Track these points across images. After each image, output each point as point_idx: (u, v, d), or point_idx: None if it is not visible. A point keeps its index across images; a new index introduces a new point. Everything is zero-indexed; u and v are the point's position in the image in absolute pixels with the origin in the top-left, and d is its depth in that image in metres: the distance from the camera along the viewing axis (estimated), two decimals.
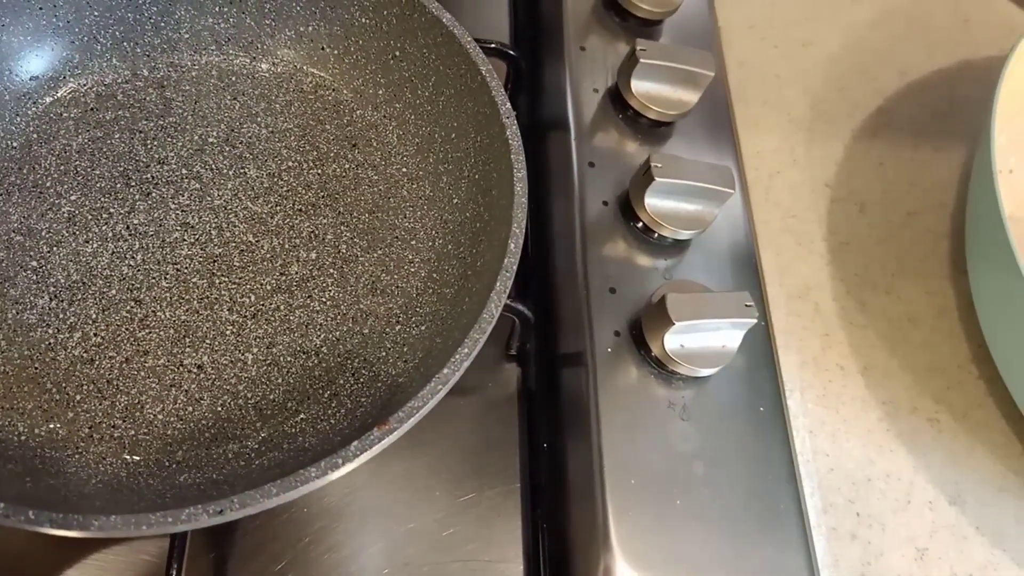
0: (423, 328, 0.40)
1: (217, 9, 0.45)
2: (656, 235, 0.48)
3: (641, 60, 0.50)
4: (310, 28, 0.46)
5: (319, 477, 0.30)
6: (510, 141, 0.38)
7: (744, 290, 0.45)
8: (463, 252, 0.41)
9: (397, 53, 0.44)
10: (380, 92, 0.46)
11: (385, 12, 0.43)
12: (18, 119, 0.42)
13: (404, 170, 0.45)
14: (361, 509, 0.41)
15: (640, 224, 0.48)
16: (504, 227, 0.37)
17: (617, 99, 0.53)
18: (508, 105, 0.39)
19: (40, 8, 0.42)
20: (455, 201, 0.43)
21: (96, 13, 0.43)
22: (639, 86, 0.52)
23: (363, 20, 0.44)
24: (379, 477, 0.43)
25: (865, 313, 0.53)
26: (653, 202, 0.47)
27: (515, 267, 0.36)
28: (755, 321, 0.43)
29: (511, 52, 0.53)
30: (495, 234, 0.39)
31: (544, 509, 0.44)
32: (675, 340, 0.43)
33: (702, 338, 0.44)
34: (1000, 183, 0.45)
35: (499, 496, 0.44)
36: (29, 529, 0.29)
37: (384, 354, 0.40)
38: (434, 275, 0.42)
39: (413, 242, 0.43)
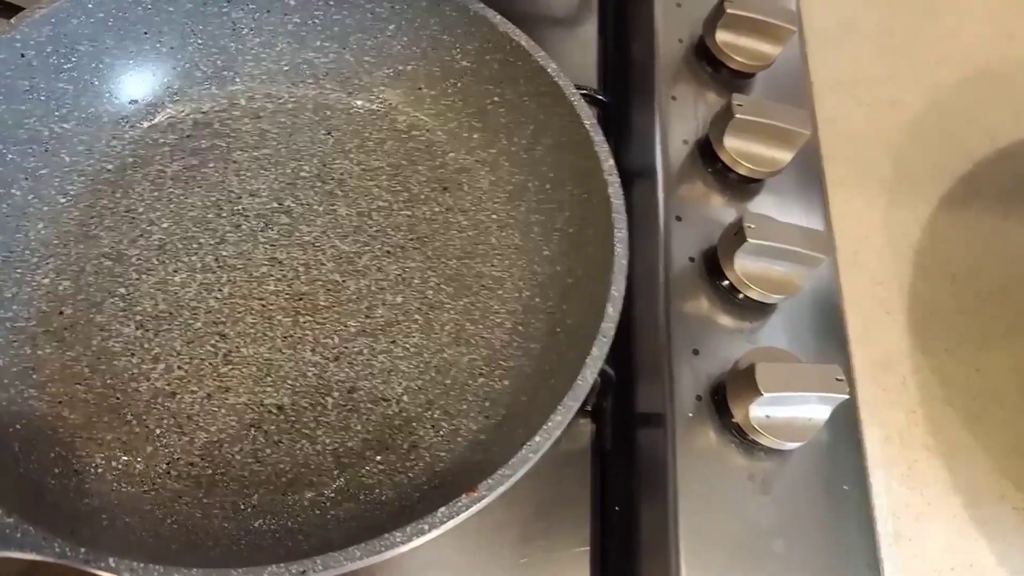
0: (506, 383, 0.39)
1: (318, 44, 0.45)
2: (742, 296, 0.46)
3: (737, 115, 0.49)
4: (409, 67, 0.45)
5: (404, 543, 0.30)
6: (612, 199, 0.37)
7: (831, 360, 0.43)
8: (551, 307, 0.40)
9: (496, 99, 0.44)
10: (475, 136, 0.45)
11: (488, 57, 0.43)
12: (115, 142, 0.43)
13: (494, 217, 0.44)
14: (423, 563, 0.40)
15: (726, 283, 0.47)
16: (600, 287, 0.36)
17: (707, 152, 0.52)
18: (612, 162, 0.38)
19: (145, 33, 0.42)
20: (545, 253, 0.42)
21: (200, 41, 0.44)
22: (732, 141, 0.50)
23: (464, 63, 0.44)
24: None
25: (949, 387, 0.51)
26: (743, 263, 0.46)
27: (612, 332, 0.35)
28: (845, 396, 0.41)
29: (601, 98, 0.53)
30: (588, 293, 0.38)
31: (615, 574, 0.43)
32: (761, 410, 0.41)
33: (789, 410, 0.42)
34: None
35: (568, 559, 0.42)
36: (106, 574, 0.29)
37: (465, 407, 0.39)
38: (519, 328, 0.41)
39: (500, 292, 0.42)
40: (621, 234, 0.36)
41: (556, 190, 0.42)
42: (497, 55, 0.43)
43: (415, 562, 0.40)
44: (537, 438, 0.32)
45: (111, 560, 0.28)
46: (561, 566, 0.42)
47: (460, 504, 0.30)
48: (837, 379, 0.42)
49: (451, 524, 0.30)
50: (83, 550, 0.28)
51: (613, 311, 0.35)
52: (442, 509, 0.30)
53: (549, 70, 0.40)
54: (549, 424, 0.32)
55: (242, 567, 0.28)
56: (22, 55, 0.38)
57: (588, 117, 0.39)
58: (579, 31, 0.61)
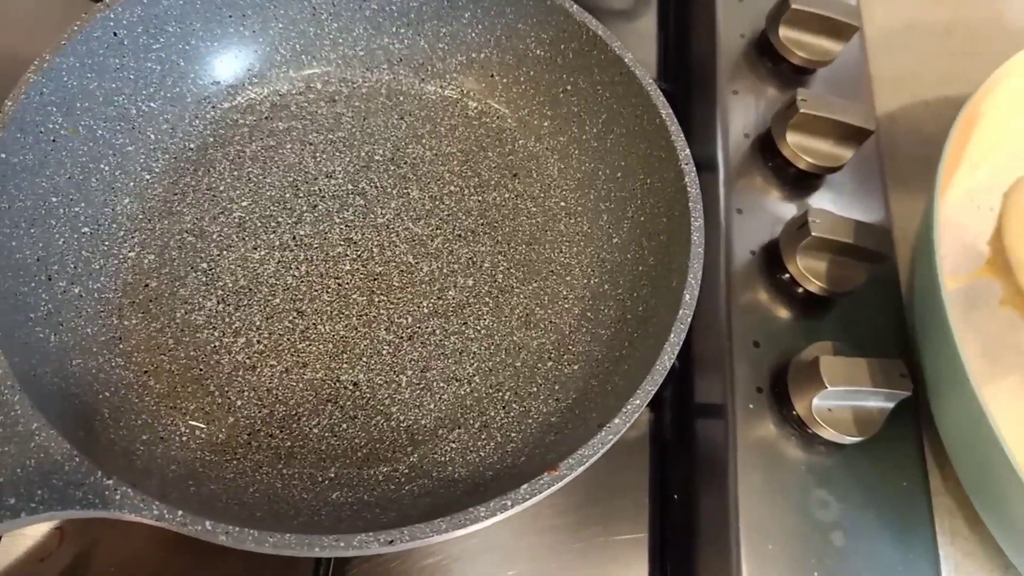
0: (575, 368, 0.40)
1: (394, 30, 0.46)
2: (802, 290, 0.47)
3: (801, 110, 0.49)
4: (482, 55, 0.46)
5: (488, 517, 0.30)
6: (688, 188, 0.38)
7: (893, 357, 0.43)
8: (621, 294, 0.41)
9: (568, 87, 0.44)
10: (545, 124, 0.46)
11: (562, 46, 0.43)
12: (197, 122, 0.44)
13: (563, 204, 0.44)
14: (482, 546, 0.41)
15: (787, 276, 0.47)
16: (675, 275, 0.37)
17: (768, 146, 0.52)
18: (687, 151, 0.39)
19: (230, 16, 0.43)
20: (615, 240, 0.42)
21: (281, 25, 0.44)
22: (794, 136, 0.51)
23: (538, 52, 0.45)
24: None
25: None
26: (805, 257, 0.46)
27: (689, 319, 0.35)
28: (908, 393, 0.42)
29: (664, 87, 0.53)
30: (661, 280, 0.38)
31: (672, 562, 0.43)
32: (824, 403, 0.42)
33: (851, 404, 0.42)
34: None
35: (625, 544, 0.43)
36: (202, 538, 0.30)
37: (535, 390, 0.39)
38: (588, 314, 0.41)
39: (568, 278, 0.42)
40: (698, 223, 0.37)
41: (627, 179, 0.42)
42: (572, 44, 0.43)
43: (472, 544, 0.41)
44: (617, 420, 0.32)
45: (207, 523, 0.29)
46: (618, 552, 0.42)
47: (542, 482, 0.31)
48: (901, 375, 0.42)
49: (533, 501, 0.31)
50: (180, 513, 0.29)
51: (690, 299, 0.35)
52: (524, 486, 0.31)
53: (626, 60, 0.41)
54: (628, 407, 0.33)
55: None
56: (115, 33, 0.40)
57: (664, 107, 0.40)
58: (638, 24, 0.61)
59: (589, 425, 0.35)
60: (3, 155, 0.35)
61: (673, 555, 0.44)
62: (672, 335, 0.34)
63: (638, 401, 0.33)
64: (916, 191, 0.58)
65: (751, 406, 0.43)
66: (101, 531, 0.40)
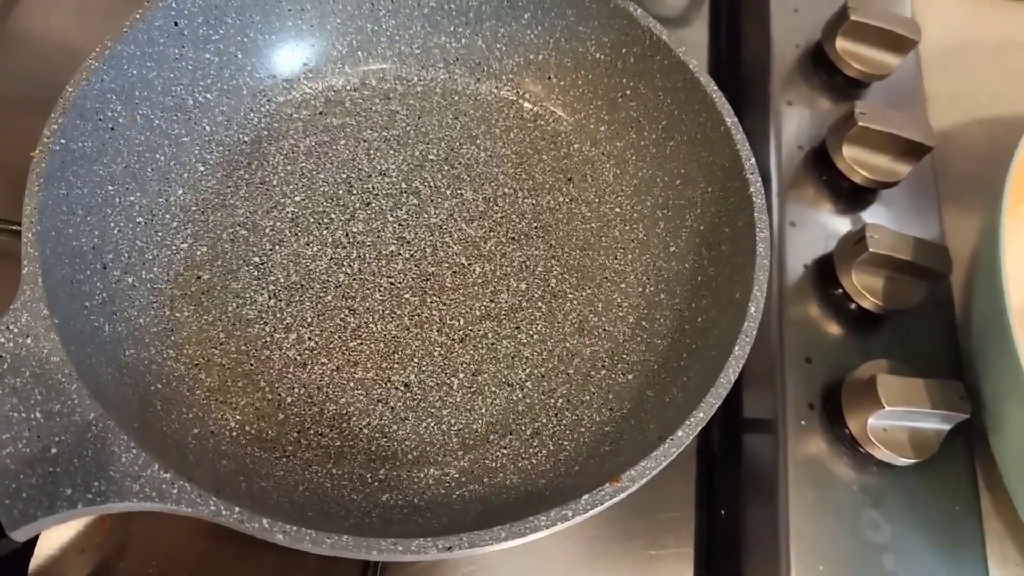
0: (630, 377, 0.39)
1: (452, 28, 0.45)
2: (855, 306, 0.46)
3: (859, 123, 0.48)
4: (540, 57, 0.45)
5: (548, 527, 0.30)
6: (753, 199, 0.37)
7: (946, 377, 0.42)
8: (679, 304, 0.40)
9: (628, 92, 0.44)
10: (602, 128, 0.45)
11: (624, 51, 0.43)
12: (252, 115, 0.43)
13: (618, 210, 0.44)
14: (521, 553, 0.40)
15: (840, 292, 0.46)
16: (737, 287, 0.36)
17: (822, 159, 0.51)
18: (753, 161, 0.38)
19: (289, 10, 0.43)
20: (672, 249, 0.42)
21: (339, 20, 0.44)
22: (851, 149, 0.50)
23: (598, 56, 0.44)
24: None
25: None
26: (860, 272, 0.45)
27: (755, 333, 0.34)
28: (967, 416, 0.41)
29: None
30: (723, 292, 0.37)
31: None
32: (880, 423, 0.41)
33: (907, 425, 0.41)
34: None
35: (671, 557, 0.42)
36: (257, 536, 0.29)
37: (588, 398, 0.39)
38: (643, 323, 0.41)
39: (623, 285, 0.42)
40: (763, 234, 0.36)
41: (687, 187, 0.42)
42: (635, 48, 0.42)
43: (511, 552, 0.40)
44: (680, 433, 0.32)
45: (265, 522, 0.29)
46: (661, 566, 0.42)
47: (604, 493, 0.30)
48: (960, 397, 0.41)
49: (593, 512, 0.30)
50: (237, 509, 0.29)
51: (755, 311, 0.34)
52: (585, 497, 0.30)
53: (691, 66, 0.40)
54: (691, 420, 0.32)
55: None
56: (175, 23, 0.39)
57: (729, 115, 0.39)
58: (689, 31, 0.60)
59: (646, 436, 0.35)
60: (63, 141, 0.34)
61: (719, 572, 0.43)
62: (737, 348, 0.33)
63: (702, 415, 0.32)
64: (970, 211, 0.57)
65: (803, 423, 0.42)
66: (142, 523, 0.39)
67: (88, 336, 0.33)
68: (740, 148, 0.38)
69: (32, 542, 0.38)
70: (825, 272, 0.47)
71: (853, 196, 0.51)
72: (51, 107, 0.35)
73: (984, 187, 0.58)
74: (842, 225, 0.49)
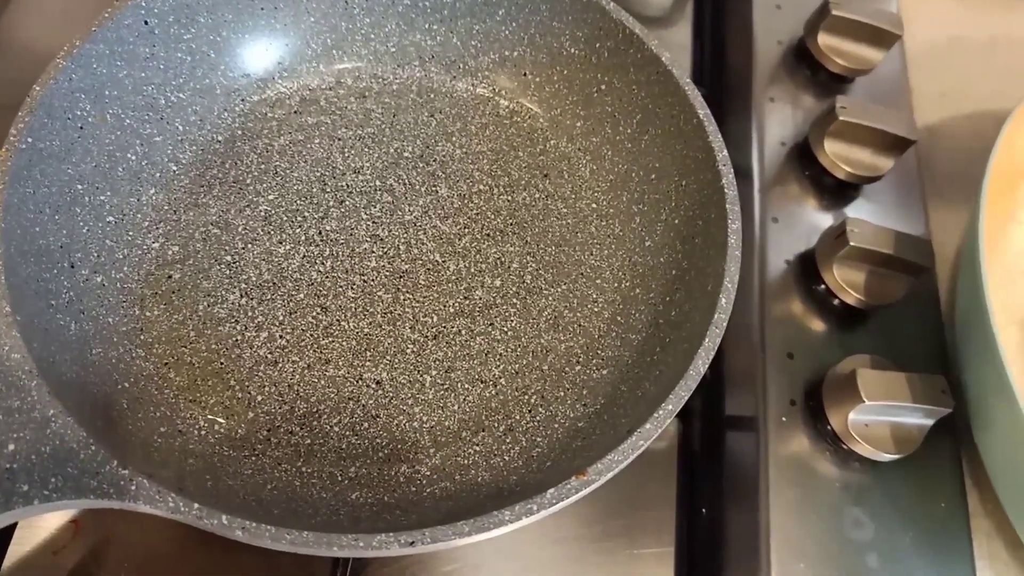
0: (604, 372, 0.39)
1: (427, 26, 0.45)
2: (838, 301, 0.45)
3: (841, 117, 0.48)
4: (515, 53, 0.45)
5: (513, 521, 0.29)
6: (726, 190, 0.36)
7: (932, 372, 0.42)
8: (653, 298, 0.39)
9: (603, 87, 0.43)
10: (578, 124, 0.45)
11: (598, 45, 0.43)
12: (226, 114, 0.43)
13: (594, 206, 0.43)
14: (502, 554, 0.39)
15: (823, 287, 0.45)
16: (710, 279, 0.36)
17: (805, 155, 0.51)
18: (725, 152, 0.38)
19: (262, 8, 0.43)
20: (647, 244, 0.41)
21: (312, 19, 0.44)
22: (833, 144, 0.49)
23: (572, 51, 0.44)
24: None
25: None
26: (842, 267, 0.45)
27: (725, 324, 0.34)
28: (949, 410, 0.40)
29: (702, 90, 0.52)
30: (696, 285, 0.37)
31: None
32: (861, 419, 0.40)
33: (889, 420, 0.41)
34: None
35: (651, 558, 0.42)
36: (217, 532, 0.29)
37: (562, 394, 0.38)
38: (618, 318, 0.40)
39: (598, 281, 0.41)
40: (735, 225, 0.36)
41: (661, 180, 0.41)
42: (608, 42, 0.42)
43: (492, 552, 0.40)
44: (648, 425, 0.31)
45: (224, 518, 0.28)
46: (642, 566, 0.41)
47: (569, 487, 0.30)
48: (942, 391, 0.40)
49: (559, 506, 0.30)
50: (196, 506, 0.28)
51: (726, 303, 0.34)
52: (551, 491, 0.30)
53: (663, 59, 0.40)
54: (660, 413, 0.31)
55: None
56: (146, 22, 0.39)
57: (702, 106, 0.39)
58: (672, 31, 0.60)
59: (618, 431, 0.34)
60: (30, 140, 0.34)
61: (700, 571, 0.42)
62: (707, 340, 0.33)
63: (670, 407, 0.32)
64: (956, 206, 0.56)
65: (784, 419, 0.42)
66: (116, 525, 0.39)
67: (53, 334, 0.33)
68: (712, 139, 0.38)
69: (6, 538, 0.37)
70: (807, 268, 0.46)
71: (836, 192, 0.50)
72: None
73: (970, 183, 0.58)
74: (825, 221, 0.49)
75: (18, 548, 0.37)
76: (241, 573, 0.38)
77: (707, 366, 0.33)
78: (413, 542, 0.28)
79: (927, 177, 0.57)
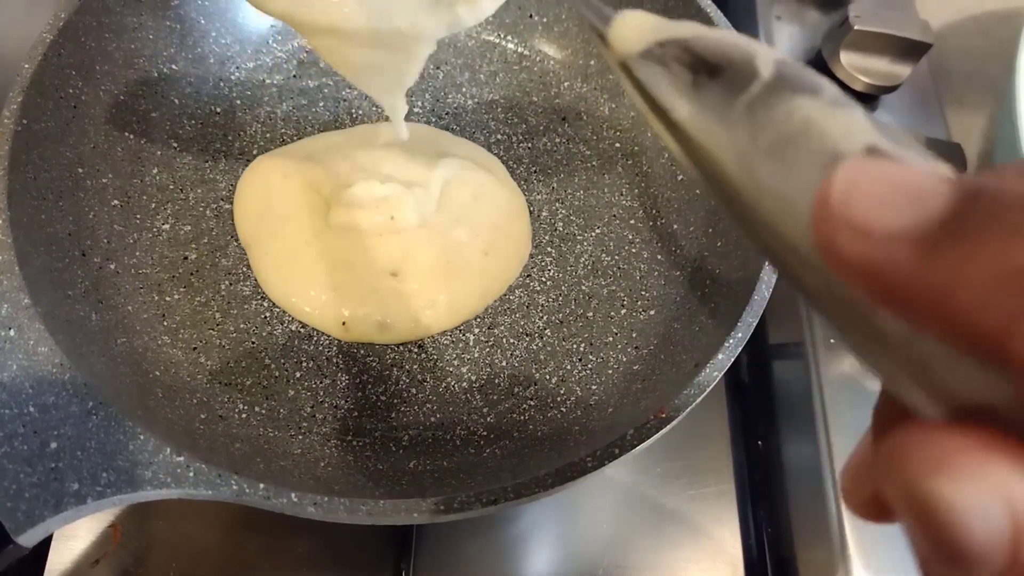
0: (652, 313, 0.37)
1: None
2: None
3: (855, 27, 0.47)
4: None
5: (595, 467, 0.28)
6: None
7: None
8: (694, 232, 0.38)
9: None
10: (592, 62, 0.43)
11: None
12: (221, 84, 0.41)
13: (617, 145, 0.42)
14: (562, 510, 0.38)
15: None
16: None
17: (819, 70, 0.49)
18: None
19: None
20: (679, 178, 0.40)
21: None
22: (848, 55, 0.48)
23: None
24: None
25: None
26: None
27: None
28: None
29: None
30: None
31: (765, 511, 0.41)
32: None
33: None
34: None
35: (712, 496, 0.40)
36: (287, 512, 0.27)
37: (611, 339, 0.37)
38: (659, 256, 0.39)
39: (632, 221, 0.40)
40: None
41: None
42: None
43: (551, 509, 0.38)
44: (720, 356, 0.30)
45: (293, 495, 0.27)
46: (705, 505, 0.40)
47: (649, 425, 0.28)
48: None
49: (642, 447, 0.28)
50: (262, 486, 0.27)
51: None
52: (631, 431, 0.28)
53: None
54: (730, 342, 0.30)
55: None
56: None
57: (724, 23, 0.37)
58: None
59: (681, 368, 0.33)
60: (25, 121, 0.32)
61: (764, 504, 0.41)
62: (766, 264, 0.32)
63: (740, 335, 0.30)
64: (973, 108, 0.55)
65: (832, 340, 0.41)
66: (158, 529, 0.37)
67: (75, 325, 0.31)
68: None
69: (42, 554, 0.35)
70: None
71: None
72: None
73: (987, 83, 0.56)
74: None
75: (57, 560, 0.35)
76: (295, 560, 0.37)
77: (770, 290, 0.32)
78: (495, 500, 0.27)
79: (940, 82, 0.56)
